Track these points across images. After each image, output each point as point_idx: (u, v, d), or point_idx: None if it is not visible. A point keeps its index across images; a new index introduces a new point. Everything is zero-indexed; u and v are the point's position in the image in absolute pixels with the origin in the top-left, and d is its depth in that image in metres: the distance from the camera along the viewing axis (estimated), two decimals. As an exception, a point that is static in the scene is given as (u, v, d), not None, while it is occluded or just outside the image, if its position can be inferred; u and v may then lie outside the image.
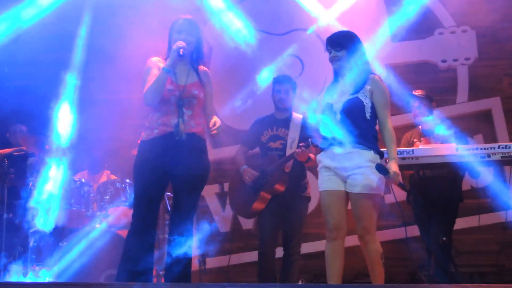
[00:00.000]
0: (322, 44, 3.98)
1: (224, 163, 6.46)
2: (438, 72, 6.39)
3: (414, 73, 6.33)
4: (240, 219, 6.33)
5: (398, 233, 5.81)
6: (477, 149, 4.45)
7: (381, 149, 3.84)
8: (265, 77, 6.04)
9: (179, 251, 3.88)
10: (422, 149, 4.60)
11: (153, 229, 3.99)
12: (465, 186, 5.54)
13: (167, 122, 3.91)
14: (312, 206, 5.11)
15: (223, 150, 6.52)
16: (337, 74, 3.90)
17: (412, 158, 4.52)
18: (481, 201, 5.59)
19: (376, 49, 5.97)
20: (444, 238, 4.87)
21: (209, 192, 6.55)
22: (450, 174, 4.86)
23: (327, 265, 3.75)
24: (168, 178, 3.99)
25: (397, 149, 4.38)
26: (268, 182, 4.85)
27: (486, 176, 5.04)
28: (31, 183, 5.45)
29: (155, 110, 3.97)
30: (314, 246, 5.94)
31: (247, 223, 6.38)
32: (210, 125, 3.94)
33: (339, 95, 3.81)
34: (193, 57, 4.06)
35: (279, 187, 4.84)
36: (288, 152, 4.85)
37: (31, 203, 5.30)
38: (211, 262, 5.98)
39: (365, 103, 3.77)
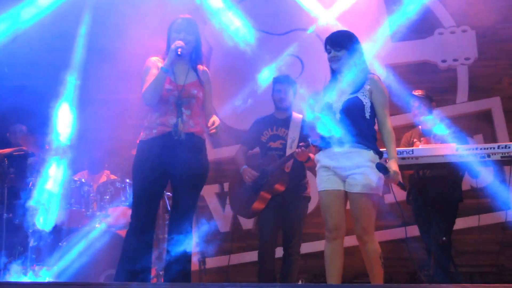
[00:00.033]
0: (322, 44, 3.97)
1: (224, 163, 6.46)
2: (438, 72, 6.39)
3: (414, 73, 6.34)
4: (240, 219, 6.33)
5: (398, 233, 5.81)
6: (477, 149, 4.45)
7: (380, 149, 3.84)
8: (265, 77, 6.05)
9: (178, 250, 3.88)
10: (422, 149, 4.60)
11: (152, 229, 3.99)
12: (465, 186, 5.54)
13: (166, 122, 3.91)
14: (312, 206, 5.11)
15: (223, 150, 6.52)
16: (335, 74, 3.88)
17: (412, 158, 4.52)
18: (481, 201, 5.59)
19: (376, 49, 5.98)
20: (444, 238, 4.87)
21: (209, 192, 6.55)
22: (450, 174, 4.86)
23: (326, 265, 3.75)
24: (167, 177, 3.99)
25: (397, 149, 4.38)
26: (268, 182, 4.85)
27: (486, 176, 5.03)
28: (31, 183, 5.45)
29: (154, 110, 3.97)
30: (314, 246, 5.94)
31: (247, 223, 6.38)
32: (209, 125, 3.93)
33: (338, 95, 3.81)
34: (192, 57, 4.06)
35: (279, 187, 4.84)
36: (288, 152, 4.86)
37: (31, 203, 5.30)
38: (211, 262, 5.99)
39: (364, 103, 3.77)
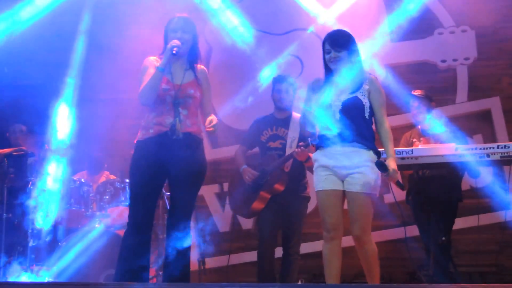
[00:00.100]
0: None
1: (223, 163, 6.46)
2: (438, 72, 6.39)
3: (414, 73, 6.33)
4: (240, 219, 6.33)
5: (397, 233, 5.80)
6: (476, 149, 4.45)
7: (379, 149, 3.84)
8: (265, 76, 6.05)
9: (177, 250, 3.87)
10: (421, 149, 4.60)
11: (150, 228, 3.99)
12: (465, 186, 5.54)
13: (162, 121, 3.91)
14: (311, 206, 5.10)
15: (222, 150, 6.52)
16: (331, 74, 3.86)
17: (412, 158, 4.52)
18: (480, 201, 5.58)
19: (375, 49, 5.98)
20: (444, 238, 4.88)
21: (209, 192, 6.55)
22: (449, 174, 4.86)
23: (325, 265, 3.74)
24: (164, 176, 3.99)
25: (397, 149, 4.39)
26: (268, 181, 4.85)
27: (486, 176, 5.04)
28: (30, 183, 5.46)
29: (151, 109, 3.97)
30: (314, 246, 5.93)
31: (247, 223, 6.37)
32: (206, 123, 3.92)
33: (336, 95, 3.80)
34: (190, 56, 4.05)
35: (279, 187, 4.84)
36: (288, 151, 4.86)
37: (31, 203, 5.30)
38: (211, 262, 5.98)
39: (364, 103, 3.77)
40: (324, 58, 3.85)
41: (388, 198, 5.86)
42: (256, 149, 5.16)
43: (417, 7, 6.12)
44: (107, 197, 5.50)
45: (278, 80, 5.06)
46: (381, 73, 5.88)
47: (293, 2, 6.41)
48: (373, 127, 3.85)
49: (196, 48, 4.07)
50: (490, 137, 6.08)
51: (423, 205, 5.01)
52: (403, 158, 4.50)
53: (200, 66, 4.11)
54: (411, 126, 5.47)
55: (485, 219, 5.73)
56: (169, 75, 3.96)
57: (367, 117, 3.77)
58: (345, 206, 3.79)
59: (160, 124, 3.91)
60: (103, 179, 5.92)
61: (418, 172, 5.00)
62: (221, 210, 6.56)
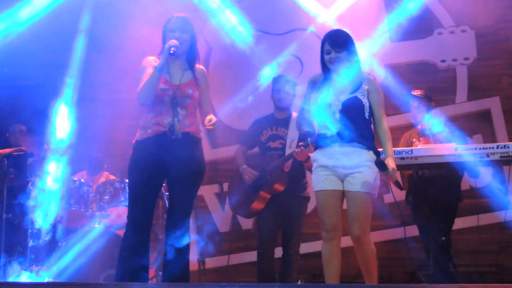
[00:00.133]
0: (322, 43, 3.96)
1: (223, 163, 6.46)
2: (437, 72, 6.39)
3: (413, 73, 6.33)
4: (240, 219, 6.33)
5: (397, 233, 5.80)
6: (476, 149, 4.45)
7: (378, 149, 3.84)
8: (264, 76, 6.05)
9: (176, 249, 3.87)
10: (421, 149, 4.60)
11: (149, 228, 3.98)
12: (464, 186, 5.53)
13: (161, 121, 3.90)
14: (311, 206, 5.10)
15: (222, 150, 6.52)
16: (329, 73, 3.86)
17: (411, 158, 4.52)
18: (480, 201, 5.58)
19: (375, 49, 5.98)
20: (443, 238, 4.88)
21: (208, 192, 6.55)
22: (449, 174, 4.86)
23: (324, 265, 3.73)
24: (162, 176, 3.99)
25: (396, 149, 4.39)
26: (268, 181, 4.85)
27: (485, 176, 5.04)
28: (30, 183, 5.45)
29: (149, 109, 3.96)
30: (313, 246, 5.93)
31: (247, 223, 6.37)
32: (206, 122, 3.90)
33: (336, 94, 3.79)
34: (188, 55, 4.04)
35: (278, 187, 4.84)
36: (288, 151, 4.86)
37: (31, 203, 5.30)
38: (210, 262, 5.98)
39: (364, 103, 3.77)
40: (322, 58, 3.85)
41: (388, 198, 5.86)
42: (256, 149, 5.16)
43: (416, 7, 6.13)
44: (106, 197, 5.50)
45: (278, 80, 5.06)
46: (381, 73, 5.89)
47: (292, 2, 6.41)
48: (372, 127, 3.85)
49: (195, 48, 4.06)
50: (490, 137, 6.08)
51: (423, 205, 5.01)
52: (402, 158, 4.50)
53: (198, 66, 4.10)
54: (410, 126, 5.47)
55: (484, 219, 5.73)
56: (167, 75, 3.95)
57: (366, 117, 3.77)
58: (344, 207, 3.79)
59: (159, 124, 3.91)
60: (102, 179, 5.92)
61: (417, 172, 4.99)
62: (221, 210, 6.56)
